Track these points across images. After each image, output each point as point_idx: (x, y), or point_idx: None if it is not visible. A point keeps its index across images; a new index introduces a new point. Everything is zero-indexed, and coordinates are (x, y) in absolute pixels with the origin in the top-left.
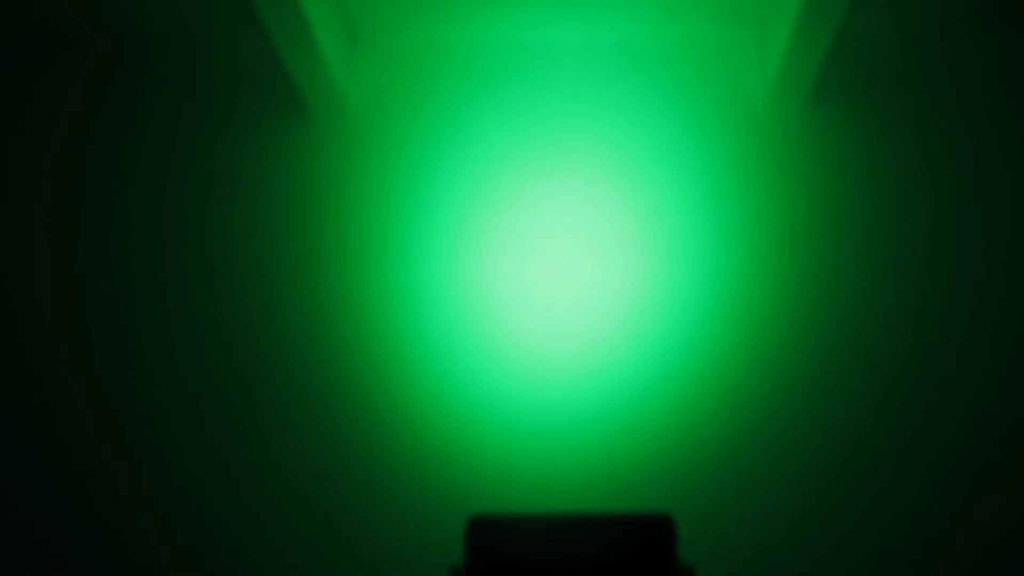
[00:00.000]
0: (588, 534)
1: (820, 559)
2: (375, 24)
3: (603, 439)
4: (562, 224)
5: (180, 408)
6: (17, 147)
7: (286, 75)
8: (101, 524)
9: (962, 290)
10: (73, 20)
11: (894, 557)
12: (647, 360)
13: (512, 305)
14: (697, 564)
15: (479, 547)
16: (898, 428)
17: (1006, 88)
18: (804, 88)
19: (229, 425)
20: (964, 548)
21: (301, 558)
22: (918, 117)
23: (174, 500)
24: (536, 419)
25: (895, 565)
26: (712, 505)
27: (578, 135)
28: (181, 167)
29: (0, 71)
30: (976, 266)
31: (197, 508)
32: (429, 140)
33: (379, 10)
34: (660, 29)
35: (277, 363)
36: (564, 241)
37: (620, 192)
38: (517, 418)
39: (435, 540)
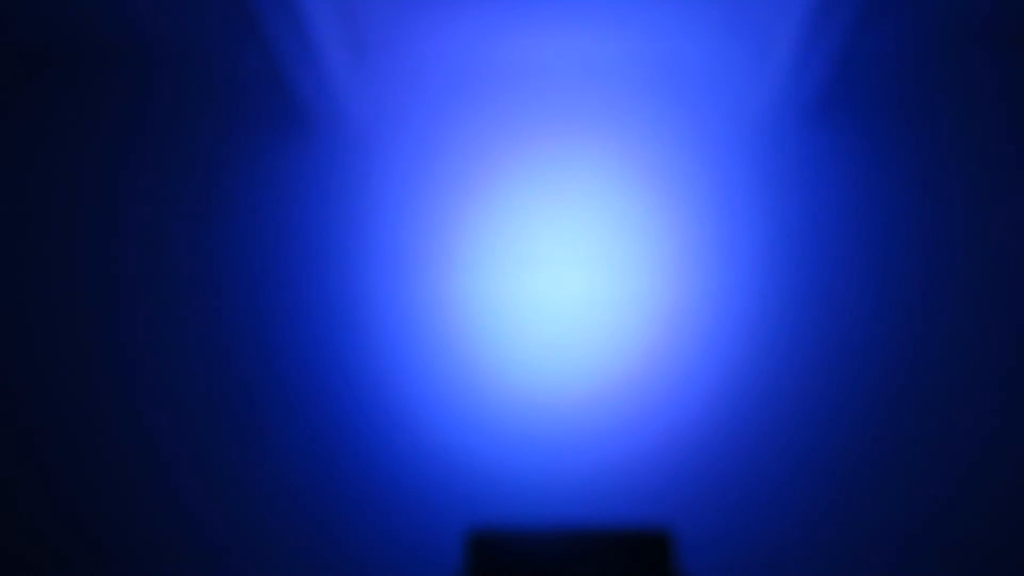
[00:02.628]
0: (587, 548)
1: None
2: (379, 40)
3: (604, 450)
4: (565, 238)
5: (177, 417)
6: (14, 155)
7: (290, 90)
8: (98, 528)
9: (967, 307)
10: (77, 31)
11: (900, 564)
12: (650, 372)
13: (514, 317)
14: None
15: (479, 560)
16: (904, 440)
17: (1009, 107)
18: (806, 105)
19: (228, 434)
20: (964, 551)
21: (299, 569)
22: (920, 136)
23: (173, 509)
24: (536, 429)
25: (901, 572)
26: (714, 517)
27: (581, 150)
28: (183, 180)
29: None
30: (981, 282)
31: (196, 517)
32: (432, 156)
33: (383, 26)
34: (662, 45)
35: (277, 373)
36: (567, 255)
37: (622, 207)
38: (517, 428)
39: (434, 552)
